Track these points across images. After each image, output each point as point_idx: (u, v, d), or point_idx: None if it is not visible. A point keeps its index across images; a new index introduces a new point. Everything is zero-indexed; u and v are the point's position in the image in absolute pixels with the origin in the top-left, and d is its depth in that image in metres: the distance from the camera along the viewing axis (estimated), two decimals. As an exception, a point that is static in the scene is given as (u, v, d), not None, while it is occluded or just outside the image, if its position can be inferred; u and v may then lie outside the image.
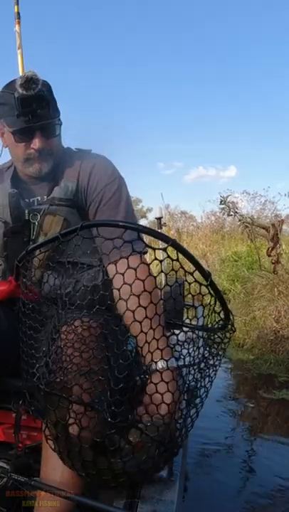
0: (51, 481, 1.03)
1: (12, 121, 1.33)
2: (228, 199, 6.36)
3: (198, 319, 1.06)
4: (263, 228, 6.05)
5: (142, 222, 15.31)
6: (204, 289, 0.94)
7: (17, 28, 2.48)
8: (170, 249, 0.88)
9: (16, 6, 2.49)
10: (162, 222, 3.20)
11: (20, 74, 2.40)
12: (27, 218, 1.35)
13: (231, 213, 6.39)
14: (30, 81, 1.26)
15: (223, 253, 8.35)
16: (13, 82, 1.31)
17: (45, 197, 1.40)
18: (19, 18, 2.49)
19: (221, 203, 6.35)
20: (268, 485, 2.44)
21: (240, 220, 6.52)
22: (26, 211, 1.35)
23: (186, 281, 0.96)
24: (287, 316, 5.16)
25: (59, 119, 1.40)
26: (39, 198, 1.42)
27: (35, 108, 1.29)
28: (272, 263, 5.63)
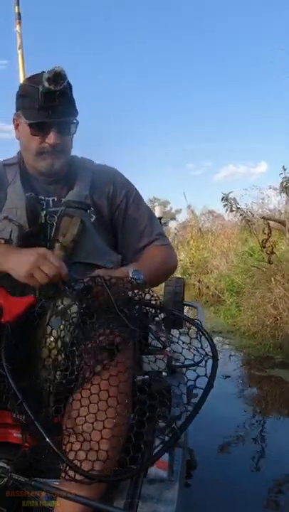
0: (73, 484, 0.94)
1: (31, 113, 1.28)
2: (231, 195, 6.25)
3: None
4: (267, 219, 5.97)
5: (172, 223, 14.84)
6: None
7: (17, 28, 2.38)
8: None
9: (16, 7, 2.40)
10: (163, 222, 3.10)
11: (21, 74, 2.31)
12: (44, 221, 1.29)
13: (233, 209, 6.26)
14: (58, 76, 1.20)
15: (246, 248, 8.10)
16: (37, 75, 1.26)
17: (62, 199, 1.33)
18: (20, 18, 2.39)
19: (222, 200, 6.23)
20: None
21: (241, 215, 6.44)
22: (43, 214, 1.29)
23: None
24: (283, 303, 5.16)
25: (76, 119, 1.34)
26: (55, 198, 1.35)
27: (57, 104, 1.24)
28: (267, 254, 5.60)
